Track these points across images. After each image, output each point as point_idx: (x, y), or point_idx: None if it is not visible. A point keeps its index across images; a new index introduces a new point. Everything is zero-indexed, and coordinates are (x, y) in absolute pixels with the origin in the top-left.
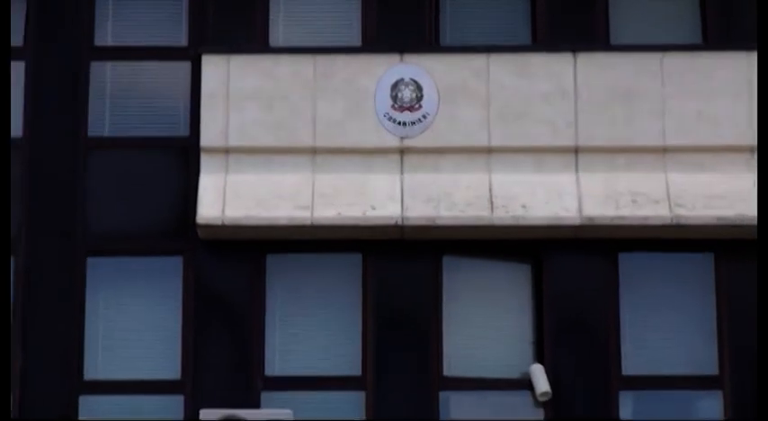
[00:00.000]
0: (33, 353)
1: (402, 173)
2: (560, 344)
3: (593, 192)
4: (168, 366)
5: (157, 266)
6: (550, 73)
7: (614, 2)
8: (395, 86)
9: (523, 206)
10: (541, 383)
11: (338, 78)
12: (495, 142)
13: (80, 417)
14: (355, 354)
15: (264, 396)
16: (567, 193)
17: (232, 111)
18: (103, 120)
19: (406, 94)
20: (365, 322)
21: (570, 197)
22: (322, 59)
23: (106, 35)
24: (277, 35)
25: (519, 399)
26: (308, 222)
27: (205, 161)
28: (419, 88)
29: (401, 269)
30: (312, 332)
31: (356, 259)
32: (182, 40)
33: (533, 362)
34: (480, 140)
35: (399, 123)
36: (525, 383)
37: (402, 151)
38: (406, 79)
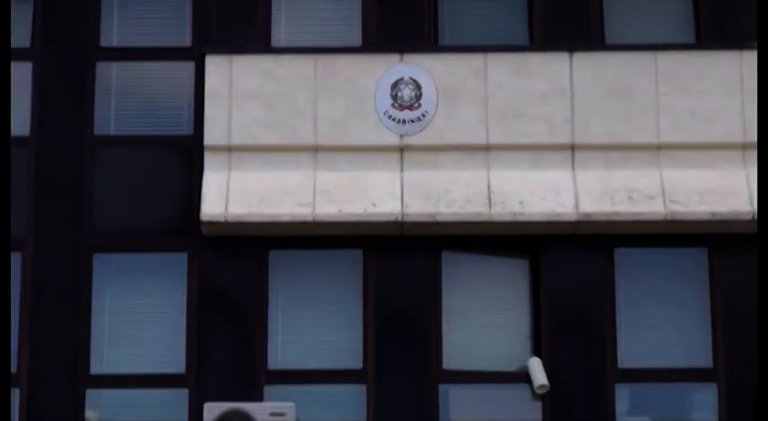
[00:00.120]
0: (40, 347)
1: (402, 170)
2: (557, 337)
3: (589, 188)
4: (172, 360)
5: (162, 262)
6: (547, 72)
7: (609, 2)
8: (395, 86)
9: (521, 202)
10: (539, 376)
11: (339, 78)
12: (494, 140)
13: (86, 410)
14: (356, 348)
15: (267, 389)
16: (564, 190)
17: (235, 110)
18: (109, 118)
19: (406, 92)
20: (366, 316)
21: (567, 193)
22: (323, 59)
23: (112, 36)
24: (279, 36)
25: (517, 392)
26: (310, 219)
27: (209, 159)
28: (418, 87)
29: (401, 264)
30: (314, 326)
31: (357, 255)
32: (186, 40)
33: (531, 356)
34: (479, 138)
35: (399, 122)
36: (523, 376)
37: (402, 149)
38: (406, 78)
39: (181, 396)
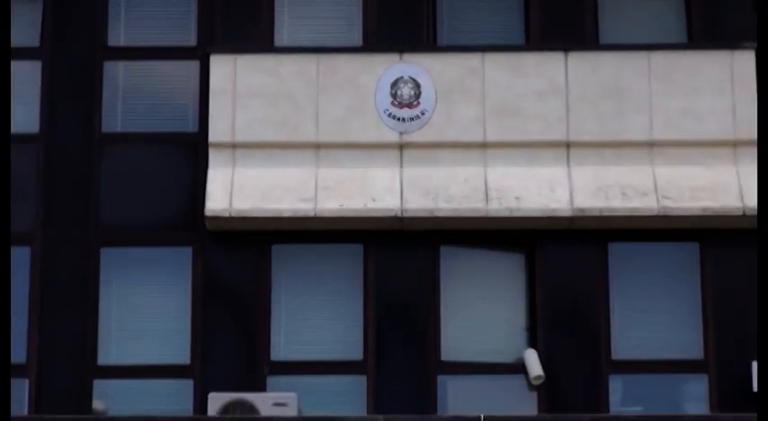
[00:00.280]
0: (49, 339)
1: (401, 166)
2: (553, 329)
3: (584, 184)
4: (178, 352)
5: (168, 257)
6: (543, 71)
7: (603, 3)
8: (394, 84)
9: (517, 198)
10: (535, 367)
11: (340, 77)
12: (491, 137)
13: (94, 400)
14: (356, 340)
15: (270, 380)
16: (560, 186)
17: (239, 108)
18: (116, 116)
19: (405, 91)
20: (366, 309)
21: (562, 189)
22: (325, 59)
23: (119, 36)
24: (282, 35)
25: (513, 383)
26: (312, 214)
27: (213, 156)
28: (418, 86)
29: (400, 259)
30: (315, 319)
31: (357, 249)
32: (191, 40)
33: (527, 347)
34: (476, 135)
35: (399, 119)
36: (519, 367)
37: (401, 146)
38: (405, 77)
39: (186, 386)
